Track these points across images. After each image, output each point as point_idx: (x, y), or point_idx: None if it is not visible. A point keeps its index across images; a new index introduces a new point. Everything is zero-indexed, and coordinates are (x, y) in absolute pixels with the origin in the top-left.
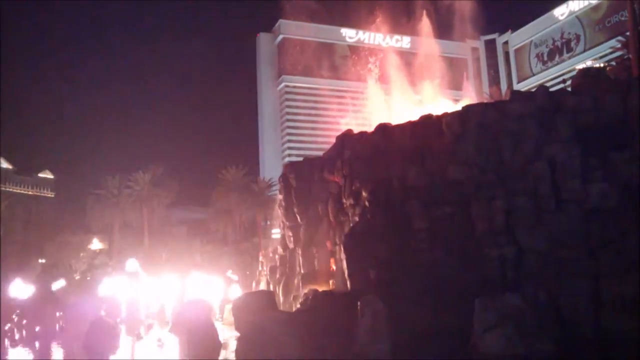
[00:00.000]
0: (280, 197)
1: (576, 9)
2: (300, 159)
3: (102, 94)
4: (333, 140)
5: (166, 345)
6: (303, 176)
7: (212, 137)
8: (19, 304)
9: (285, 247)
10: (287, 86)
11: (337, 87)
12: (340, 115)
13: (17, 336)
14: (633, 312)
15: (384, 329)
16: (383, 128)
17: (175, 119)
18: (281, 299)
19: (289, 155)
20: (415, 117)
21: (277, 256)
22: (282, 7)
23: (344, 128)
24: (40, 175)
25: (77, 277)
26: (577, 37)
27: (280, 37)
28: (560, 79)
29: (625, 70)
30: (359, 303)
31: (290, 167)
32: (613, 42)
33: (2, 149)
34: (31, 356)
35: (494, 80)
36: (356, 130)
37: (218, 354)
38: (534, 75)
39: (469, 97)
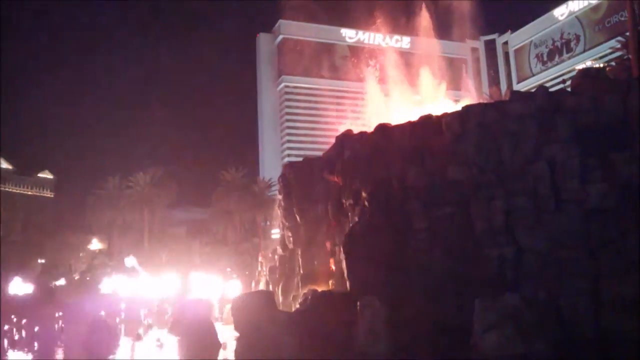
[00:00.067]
0: (280, 197)
1: (576, 9)
2: (300, 159)
3: (102, 94)
4: (333, 140)
5: (165, 345)
6: (303, 176)
7: (211, 137)
8: (18, 303)
9: (284, 247)
10: (287, 86)
11: (337, 87)
12: (340, 115)
13: (16, 336)
14: (633, 312)
15: (384, 329)
16: (383, 128)
17: (175, 119)
18: (281, 299)
19: (289, 155)
20: (415, 117)
21: (276, 256)
22: (282, 7)
23: (343, 128)
24: (40, 175)
25: (77, 277)
26: (577, 38)
27: (280, 37)
28: (560, 79)
29: (625, 71)
30: (358, 303)
31: (290, 167)
32: (613, 43)
33: (2, 149)
34: (30, 357)
35: (494, 80)
36: (356, 130)
37: (217, 354)
38: (533, 75)
39: (469, 97)
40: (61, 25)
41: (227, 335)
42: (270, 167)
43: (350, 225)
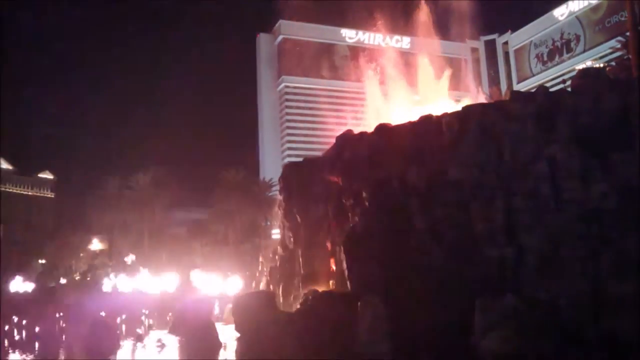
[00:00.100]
0: (280, 197)
1: (576, 9)
2: (300, 159)
3: (103, 94)
4: (333, 140)
5: (166, 345)
6: (303, 177)
7: (212, 137)
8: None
9: (285, 247)
10: (287, 86)
11: (337, 87)
12: (340, 115)
13: (17, 337)
14: (633, 312)
15: (384, 329)
16: (383, 128)
17: (175, 119)
18: (281, 299)
19: (289, 155)
20: (415, 117)
21: (277, 257)
22: (282, 8)
23: (343, 128)
24: (40, 175)
25: (77, 278)
26: (577, 38)
27: (280, 37)
28: (560, 79)
29: (625, 71)
30: (359, 303)
31: (291, 167)
32: (613, 43)
33: (2, 149)
34: (31, 357)
35: (494, 80)
36: (356, 130)
37: (218, 354)
38: (533, 75)
39: (469, 97)
40: (61, 25)
41: (228, 335)
42: (271, 167)
43: (351, 225)
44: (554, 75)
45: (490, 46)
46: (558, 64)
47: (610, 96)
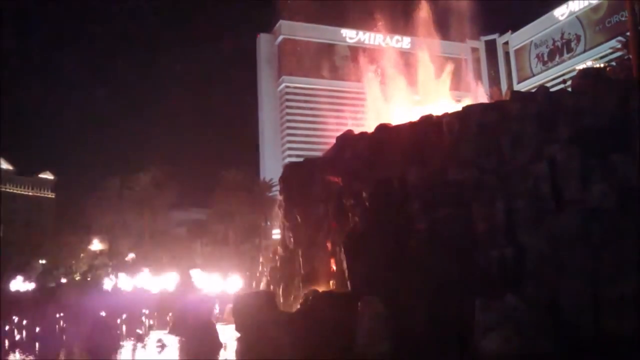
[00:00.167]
0: (280, 197)
1: (576, 9)
2: (301, 159)
3: (103, 94)
4: (333, 140)
5: (166, 345)
6: (303, 177)
7: (212, 138)
8: (20, 300)
9: (285, 247)
10: (287, 87)
11: (338, 87)
12: (341, 115)
13: (17, 337)
14: (633, 312)
15: (384, 330)
16: (383, 128)
17: (175, 120)
18: (281, 299)
19: (289, 155)
20: (415, 117)
21: (277, 257)
22: (283, 8)
23: (344, 128)
24: (40, 175)
25: (78, 278)
26: (578, 38)
27: (281, 37)
28: (561, 79)
29: (625, 71)
30: (359, 303)
31: (291, 167)
32: (613, 43)
33: (2, 149)
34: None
35: (494, 80)
36: (356, 130)
37: (218, 354)
38: (534, 75)
39: (470, 97)
40: (61, 25)
41: (228, 335)
42: (271, 168)
43: (351, 225)
44: (554, 75)
45: (491, 46)
46: (558, 64)
47: (610, 96)
